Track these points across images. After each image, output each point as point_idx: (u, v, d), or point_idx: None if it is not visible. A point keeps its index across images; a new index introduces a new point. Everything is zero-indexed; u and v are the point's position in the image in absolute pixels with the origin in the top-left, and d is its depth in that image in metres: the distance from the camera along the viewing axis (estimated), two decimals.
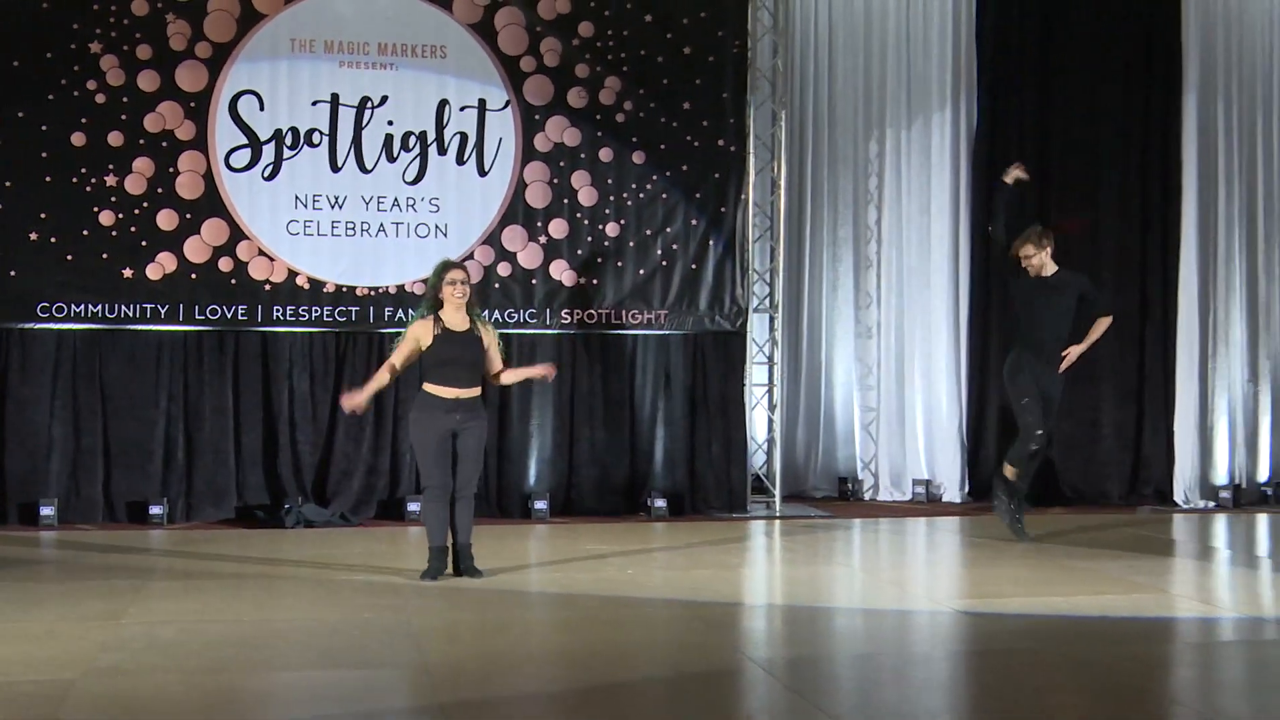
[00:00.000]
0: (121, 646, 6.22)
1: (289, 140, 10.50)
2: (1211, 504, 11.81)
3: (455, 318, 8.00)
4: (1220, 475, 12.02)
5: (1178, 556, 9.43)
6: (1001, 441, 11.94)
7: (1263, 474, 12.32)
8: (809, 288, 12.18)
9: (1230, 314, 12.14)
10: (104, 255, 10.18)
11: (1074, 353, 9.46)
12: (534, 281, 10.82)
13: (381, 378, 8.06)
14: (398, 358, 8.00)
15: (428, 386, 7.96)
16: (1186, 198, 11.88)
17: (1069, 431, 11.98)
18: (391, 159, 10.66)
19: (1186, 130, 11.91)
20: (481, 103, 10.78)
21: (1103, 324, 9.60)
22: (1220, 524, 10.95)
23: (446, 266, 8.10)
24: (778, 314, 11.44)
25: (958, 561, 9.45)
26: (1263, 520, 11.30)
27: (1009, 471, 9.48)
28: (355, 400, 8.11)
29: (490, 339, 8.16)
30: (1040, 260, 9.41)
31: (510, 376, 8.40)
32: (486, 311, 10.50)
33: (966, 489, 11.96)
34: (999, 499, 9.57)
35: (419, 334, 7.96)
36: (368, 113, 10.62)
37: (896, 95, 12.07)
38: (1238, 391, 12.22)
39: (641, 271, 10.99)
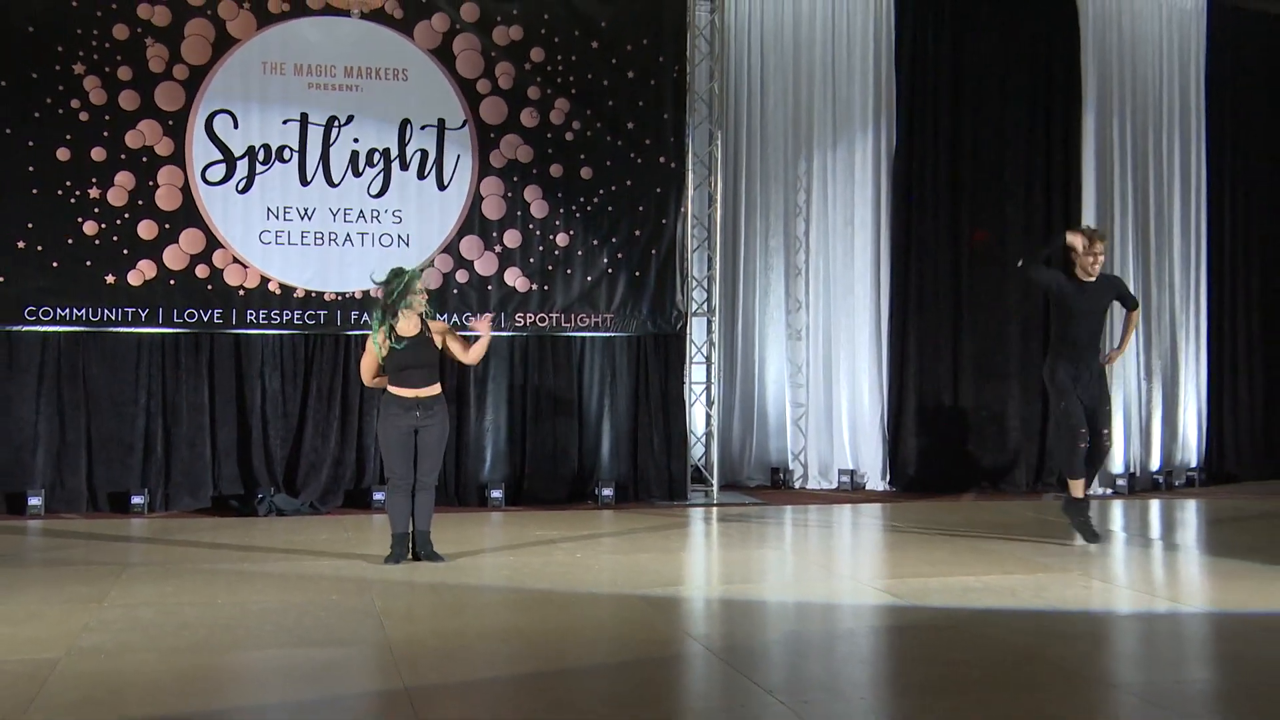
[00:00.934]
0: (103, 628, 6.14)
1: (261, 156, 10.41)
2: (1109, 491, 11.92)
3: (406, 325, 7.95)
4: (1117, 465, 12.13)
5: (1079, 539, 9.48)
6: (919, 433, 12.04)
7: (1155, 463, 12.46)
8: (743, 293, 12.20)
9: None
10: (88, 262, 10.06)
11: (1114, 356, 9.36)
12: (490, 287, 10.78)
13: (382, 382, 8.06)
14: (372, 370, 7.99)
15: (390, 389, 7.93)
16: (1086, 211, 11.97)
17: (981, 424, 12.08)
18: (357, 174, 10.59)
19: (1085, 149, 12.01)
20: (441, 122, 10.73)
21: (1134, 319, 9.25)
22: (1117, 509, 11.06)
23: (413, 279, 7.97)
24: (715, 318, 11.45)
25: (880, 545, 9.49)
26: (1155, 505, 11.43)
27: (1075, 490, 8.84)
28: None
29: (440, 333, 8.10)
30: (1096, 260, 8.80)
31: (475, 355, 8.23)
32: (445, 315, 10.52)
33: (887, 478, 12.03)
34: (1069, 514, 8.95)
35: (377, 347, 7.91)
36: (335, 131, 10.55)
37: (823, 117, 12.11)
38: (1132, 389, 12.35)
39: (589, 278, 10.97)
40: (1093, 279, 8.80)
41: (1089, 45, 11.98)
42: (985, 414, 12.08)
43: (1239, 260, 13.14)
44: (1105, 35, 12.15)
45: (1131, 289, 11.98)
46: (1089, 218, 11.93)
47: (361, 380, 8.28)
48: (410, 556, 7.96)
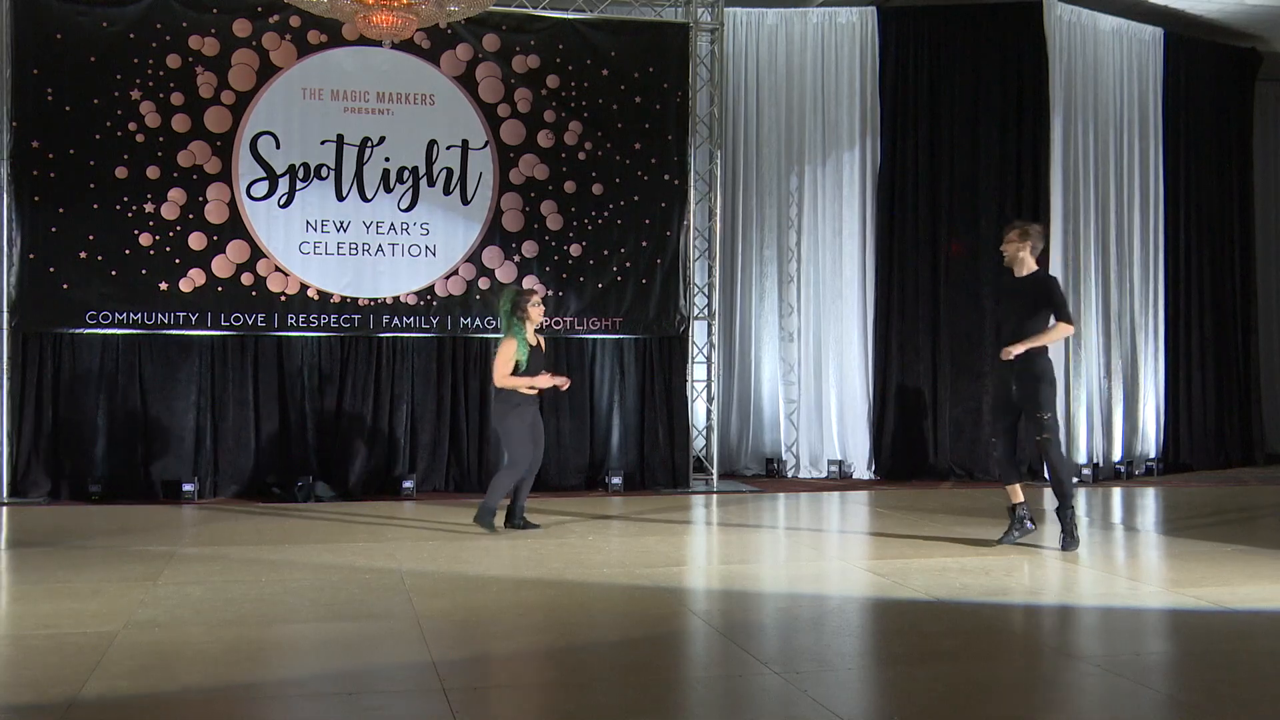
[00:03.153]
0: (157, 603, 6.14)
1: (301, 174, 10.42)
2: (1075, 480, 11.87)
3: (533, 335, 8.38)
4: (1081, 455, 12.11)
5: (1047, 524, 9.46)
6: (902, 426, 12.02)
7: (1116, 454, 12.43)
8: (740, 299, 12.19)
9: (1089, 321, 12.24)
10: (143, 271, 10.07)
11: (1014, 349, 7.72)
12: None
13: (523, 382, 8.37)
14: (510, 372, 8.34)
15: (525, 389, 8.35)
16: (1053, 226, 11.94)
17: (958, 417, 12.05)
18: (388, 190, 10.59)
19: (1053, 166, 11.97)
20: (465, 142, 10.73)
21: (1060, 329, 7.78)
22: (1081, 496, 11.03)
23: (532, 292, 8.47)
24: (714, 321, 11.44)
25: (865, 528, 9.47)
26: (1116, 492, 11.41)
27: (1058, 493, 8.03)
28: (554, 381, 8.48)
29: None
30: (1012, 253, 7.88)
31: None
32: (467, 319, 10.55)
33: (872, 467, 12.01)
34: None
35: (519, 354, 8.29)
36: (368, 150, 10.55)
37: (813, 138, 12.10)
38: (1095, 386, 12.33)
39: (600, 285, 10.97)
40: (1016, 274, 7.91)
41: (1056, 71, 11.95)
42: (962, 408, 12.06)
43: (1193, 267, 13.11)
44: (1071, 62, 12.12)
45: (1082, 294, 12.05)
46: (1056, 229, 11.91)
47: (494, 381, 8.38)
48: (503, 525, 8.46)
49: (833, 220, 12.11)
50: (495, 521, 8.40)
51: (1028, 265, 7.90)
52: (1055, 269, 11.93)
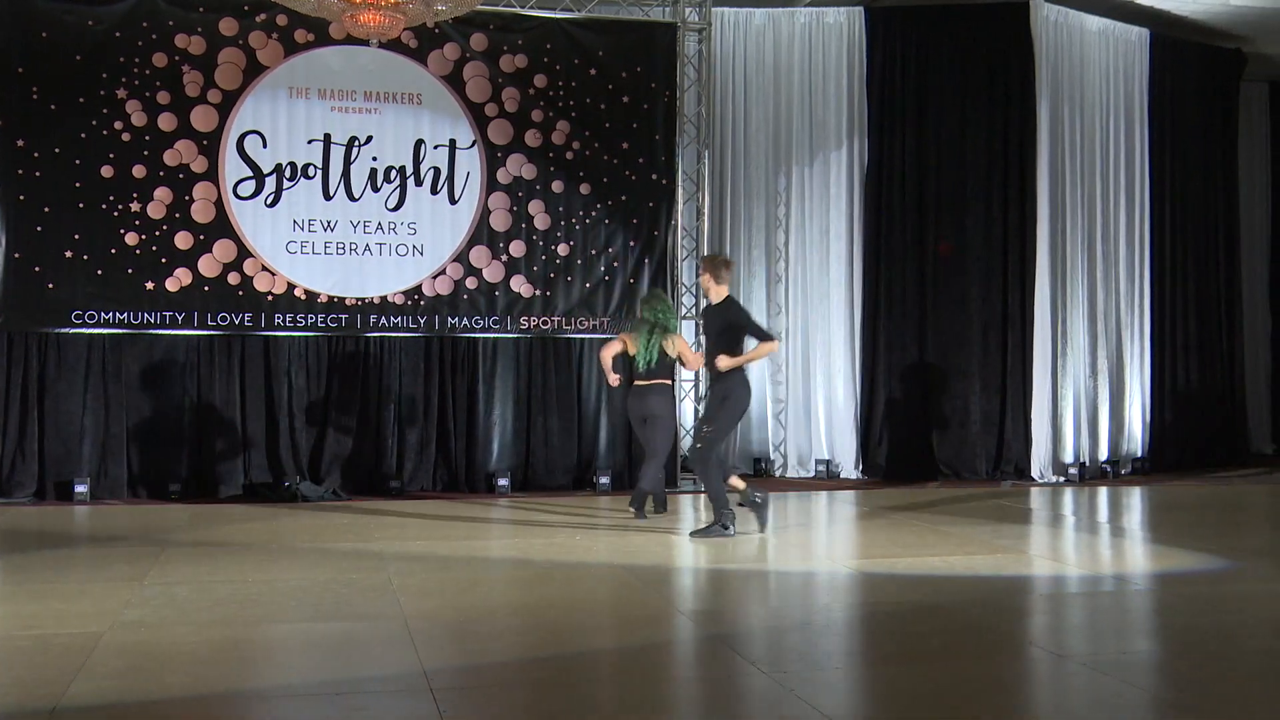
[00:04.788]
0: (143, 604, 6.13)
1: (288, 173, 10.40)
2: (1061, 479, 11.92)
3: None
4: (1068, 454, 12.14)
5: (1034, 523, 9.52)
6: (889, 426, 12.05)
7: (1103, 453, 12.46)
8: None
9: (1076, 322, 12.27)
10: (129, 270, 10.04)
11: (723, 362, 8.08)
12: (497, 293, 10.77)
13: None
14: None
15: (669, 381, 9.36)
16: (1040, 226, 11.97)
17: (945, 418, 12.08)
18: (376, 189, 10.57)
19: (1040, 167, 11.99)
20: (452, 142, 10.72)
21: (765, 347, 8.24)
22: (1068, 495, 11.07)
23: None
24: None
25: (852, 528, 9.49)
26: (1103, 491, 11.44)
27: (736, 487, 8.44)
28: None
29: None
30: (704, 284, 8.41)
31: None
32: (456, 318, 10.56)
33: (860, 467, 12.03)
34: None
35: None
36: (355, 150, 10.53)
37: (800, 138, 12.12)
38: (1082, 386, 12.36)
39: (587, 285, 10.97)
40: (711, 302, 8.40)
41: (1043, 72, 11.97)
42: (948, 408, 12.08)
43: (1178, 268, 13.15)
44: (1058, 62, 12.15)
45: (1068, 294, 12.10)
46: (1043, 230, 11.95)
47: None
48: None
49: (820, 220, 12.12)
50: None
51: (718, 292, 8.37)
52: (1042, 269, 11.98)
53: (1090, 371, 12.43)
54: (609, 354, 9.27)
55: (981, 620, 6.01)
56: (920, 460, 12.05)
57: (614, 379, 9.38)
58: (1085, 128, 12.38)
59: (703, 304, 11.28)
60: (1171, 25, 12.71)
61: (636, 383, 9.37)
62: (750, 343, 8.29)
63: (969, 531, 8.66)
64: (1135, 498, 11.19)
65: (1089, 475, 12.18)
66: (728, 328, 8.24)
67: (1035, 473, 11.92)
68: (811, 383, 12.14)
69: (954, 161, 12.08)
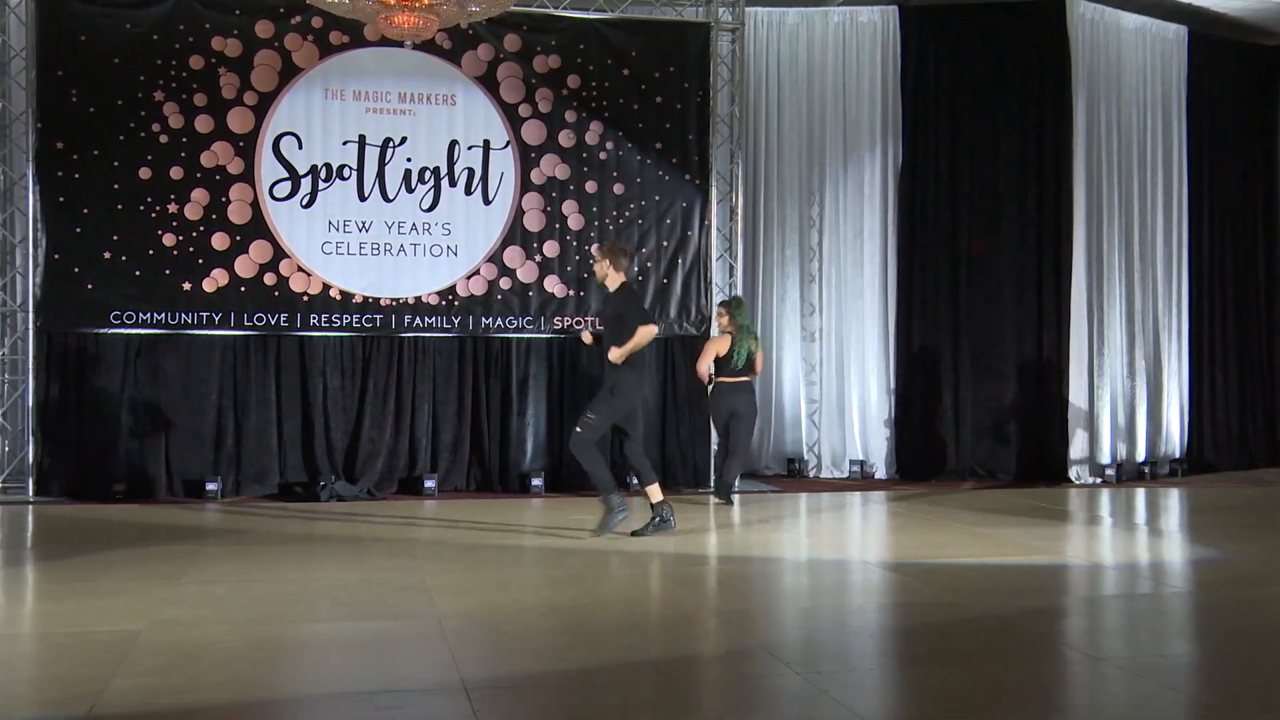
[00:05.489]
0: (180, 601, 6.18)
1: (323, 174, 10.46)
2: (1098, 480, 11.83)
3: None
4: (1105, 455, 12.05)
5: (1070, 524, 9.45)
6: (923, 426, 11.99)
7: (1140, 454, 12.36)
8: (761, 299, 12.18)
9: (1112, 322, 12.17)
10: (167, 271, 10.12)
11: (614, 354, 8.18)
12: (530, 294, 10.80)
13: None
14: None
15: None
16: (1076, 225, 11.89)
17: (980, 418, 12.02)
18: (410, 190, 10.62)
19: (1076, 167, 11.91)
20: (486, 143, 10.75)
21: (641, 333, 8.12)
22: (1105, 497, 10.99)
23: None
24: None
25: (886, 528, 9.45)
26: (1140, 493, 11.35)
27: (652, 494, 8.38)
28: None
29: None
30: (601, 271, 8.34)
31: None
32: (490, 319, 10.60)
33: (894, 467, 11.99)
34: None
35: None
36: (390, 151, 10.58)
37: (834, 137, 12.09)
38: (1119, 386, 12.26)
39: None
40: (608, 290, 8.39)
41: (1079, 70, 11.89)
42: (983, 409, 12.02)
43: (1216, 267, 13.03)
44: (1094, 61, 12.07)
45: (1105, 293, 12.01)
46: (1079, 229, 11.87)
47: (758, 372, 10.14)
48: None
49: (854, 220, 12.09)
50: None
51: (615, 280, 8.33)
52: (1078, 268, 11.90)
53: (1127, 372, 12.33)
54: (707, 364, 10.14)
55: (1016, 622, 5.97)
56: (955, 461, 11.99)
57: (707, 379, 10.24)
58: (1122, 126, 12.28)
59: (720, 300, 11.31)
60: (1210, 22, 12.60)
61: (723, 380, 10.11)
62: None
63: (1004, 533, 8.61)
64: (1173, 499, 11.09)
65: (1126, 476, 12.08)
66: (618, 316, 8.24)
67: (1071, 474, 11.83)
68: (845, 383, 12.11)
69: (989, 160, 12.01)
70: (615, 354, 8.17)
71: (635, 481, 9.16)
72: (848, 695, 4.66)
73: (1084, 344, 11.97)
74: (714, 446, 11.04)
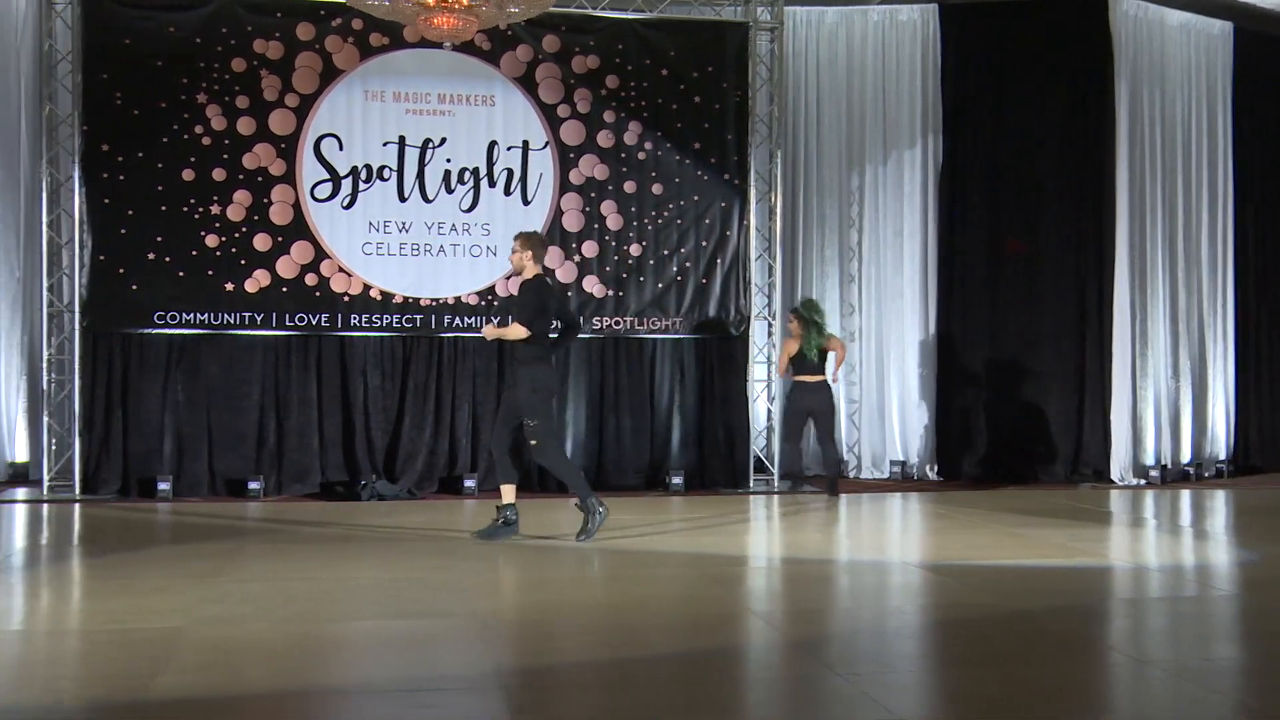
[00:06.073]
0: (221, 599, 6.22)
1: (364, 175, 10.52)
2: (1141, 481, 11.72)
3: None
4: (1149, 457, 11.93)
5: (1113, 526, 9.36)
6: (964, 427, 11.92)
7: (1185, 455, 12.24)
8: (801, 298, 12.12)
9: (1156, 322, 12.06)
10: (209, 272, 10.21)
11: (488, 331, 8.38)
12: (569, 294, 10.81)
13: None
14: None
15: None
16: (1119, 224, 11.79)
17: (1021, 419, 11.93)
18: (450, 191, 10.66)
19: (1118, 166, 11.80)
20: (525, 143, 10.77)
21: (511, 329, 7.97)
22: (1149, 498, 10.87)
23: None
24: (774, 321, 11.39)
25: (926, 529, 9.39)
26: (1185, 495, 11.22)
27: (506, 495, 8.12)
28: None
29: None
30: (518, 261, 8.11)
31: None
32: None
33: (934, 468, 11.92)
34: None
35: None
36: (429, 152, 10.63)
37: (874, 136, 12.03)
38: (1163, 387, 12.14)
39: (660, 285, 10.97)
40: (523, 279, 8.16)
41: (1122, 68, 11.78)
42: (1024, 409, 11.92)
43: (1262, 267, 12.87)
44: (1137, 58, 11.95)
45: (1149, 294, 11.88)
46: (1122, 228, 11.77)
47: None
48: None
49: (894, 219, 12.03)
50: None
51: (531, 270, 8.12)
52: (1120, 267, 11.80)
53: (1172, 372, 12.20)
54: (784, 364, 10.63)
55: (1058, 624, 5.91)
56: (995, 462, 11.91)
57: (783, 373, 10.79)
58: (1166, 123, 12.15)
59: (769, 302, 11.29)
60: (1256, 18, 12.44)
61: (801, 378, 10.51)
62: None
63: (1045, 534, 8.54)
64: (1219, 501, 10.96)
65: (1170, 478, 11.95)
66: (518, 308, 8.11)
67: (1114, 475, 11.72)
68: (885, 383, 12.05)
69: (1030, 159, 11.92)
70: (488, 331, 8.38)
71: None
72: (887, 696, 4.63)
73: (1127, 344, 11.86)
74: (775, 444, 11.09)
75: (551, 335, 8.27)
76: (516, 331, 7.95)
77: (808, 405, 10.55)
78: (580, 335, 10.79)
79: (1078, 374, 11.94)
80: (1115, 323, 11.81)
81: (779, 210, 11.40)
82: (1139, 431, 11.91)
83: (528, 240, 8.15)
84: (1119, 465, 11.77)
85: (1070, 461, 11.93)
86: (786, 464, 10.86)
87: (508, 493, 8.08)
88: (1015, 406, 11.97)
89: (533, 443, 8.03)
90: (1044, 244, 11.91)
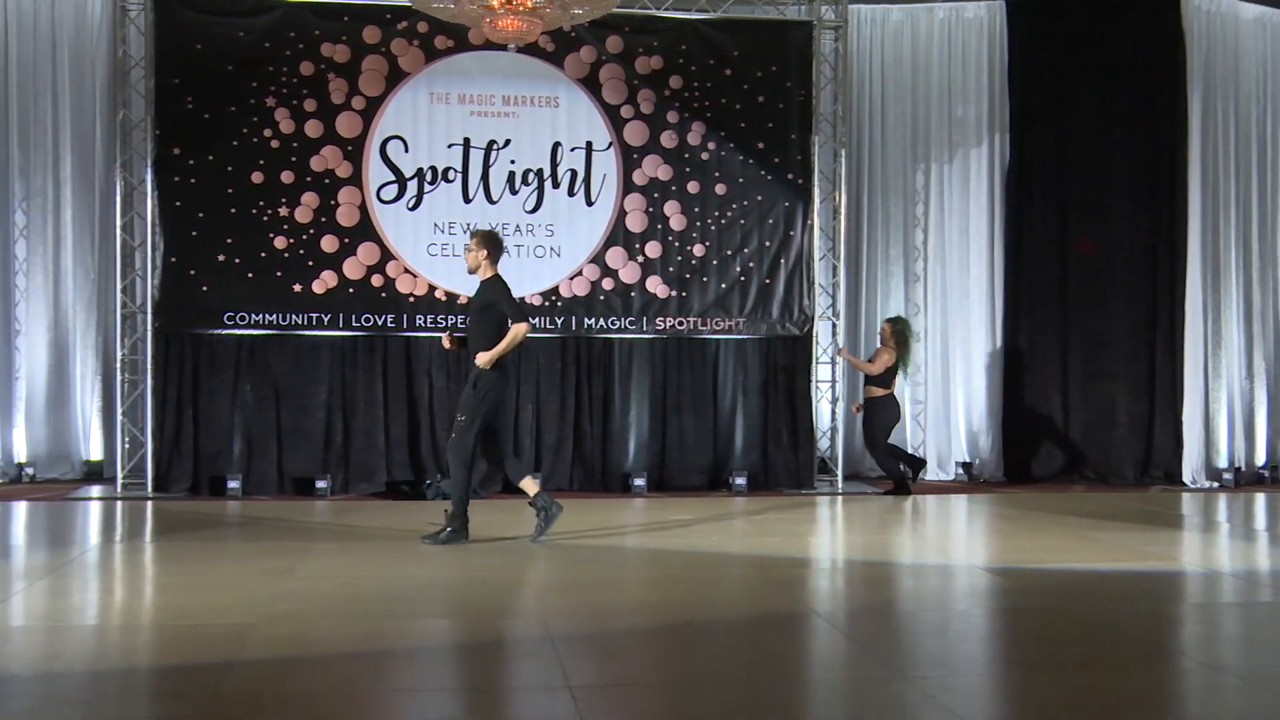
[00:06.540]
0: (291, 596, 6.31)
1: (429, 177, 10.61)
2: (1215, 484, 11.52)
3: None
4: (1222, 459, 11.73)
5: (1185, 529, 9.21)
6: (1031, 428, 11.79)
7: (1260, 458, 12.02)
8: (865, 299, 12.07)
9: (1230, 322, 11.85)
10: (278, 273, 10.35)
11: (482, 359, 7.83)
12: (633, 294, 10.84)
13: None
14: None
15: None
16: (1191, 223, 11.61)
17: (1090, 420, 11.79)
18: (514, 192, 10.73)
19: (1191, 163, 11.62)
20: (588, 144, 10.81)
21: (514, 330, 7.80)
22: (1222, 502, 10.69)
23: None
24: (839, 321, 11.33)
25: (993, 532, 9.30)
26: (1260, 498, 11.01)
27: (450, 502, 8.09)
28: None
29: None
30: (473, 260, 7.98)
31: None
32: (593, 319, 10.66)
33: (1001, 470, 11.80)
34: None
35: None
36: (494, 153, 10.70)
37: (939, 134, 11.94)
38: (1237, 388, 11.93)
39: (723, 285, 10.96)
40: (481, 279, 7.99)
41: (1195, 64, 11.59)
42: (1093, 410, 11.78)
43: None
44: (1210, 53, 11.75)
45: (1222, 293, 11.67)
46: (1194, 226, 11.60)
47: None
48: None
49: (960, 218, 11.93)
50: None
51: (487, 269, 7.96)
52: (1193, 267, 11.62)
53: (1246, 373, 11.99)
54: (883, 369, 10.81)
55: (1128, 628, 5.84)
56: (1064, 464, 11.78)
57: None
58: (1240, 121, 11.94)
59: (833, 302, 11.24)
60: None
61: (887, 393, 10.76)
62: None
63: (1115, 537, 8.42)
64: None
65: (1244, 480, 11.74)
66: (485, 306, 7.94)
67: (1186, 477, 11.55)
68: (951, 384, 11.96)
69: (1099, 157, 11.77)
70: (483, 358, 7.81)
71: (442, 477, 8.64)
72: (954, 700, 4.60)
73: (1199, 344, 11.68)
74: (839, 445, 11.18)
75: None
76: (518, 332, 7.79)
77: (899, 416, 11.10)
78: (643, 335, 10.84)
79: (1149, 375, 11.77)
80: (1187, 322, 11.63)
81: (843, 210, 11.34)
82: (1212, 433, 11.72)
83: (484, 239, 8.00)
84: (1191, 467, 11.58)
85: (1141, 464, 11.77)
86: (896, 472, 10.78)
87: (529, 486, 7.99)
88: (1084, 407, 11.82)
89: (452, 435, 7.95)
90: (1114, 243, 11.75)
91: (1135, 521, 9.22)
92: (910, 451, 11.37)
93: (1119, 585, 6.83)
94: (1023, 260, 11.85)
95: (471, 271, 8.14)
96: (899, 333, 10.79)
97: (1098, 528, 8.85)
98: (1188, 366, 11.63)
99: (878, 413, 10.77)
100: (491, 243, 8.02)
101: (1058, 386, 11.85)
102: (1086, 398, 11.83)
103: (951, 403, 11.95)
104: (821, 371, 11.32)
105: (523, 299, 10.61)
